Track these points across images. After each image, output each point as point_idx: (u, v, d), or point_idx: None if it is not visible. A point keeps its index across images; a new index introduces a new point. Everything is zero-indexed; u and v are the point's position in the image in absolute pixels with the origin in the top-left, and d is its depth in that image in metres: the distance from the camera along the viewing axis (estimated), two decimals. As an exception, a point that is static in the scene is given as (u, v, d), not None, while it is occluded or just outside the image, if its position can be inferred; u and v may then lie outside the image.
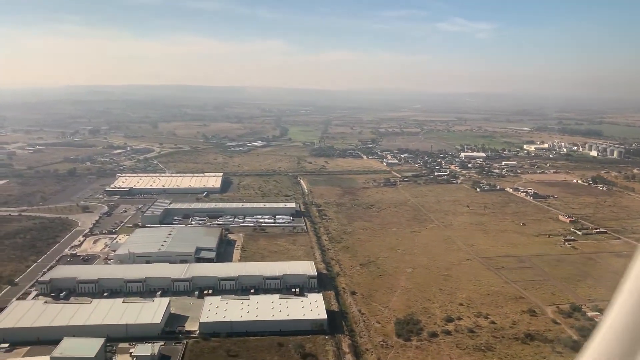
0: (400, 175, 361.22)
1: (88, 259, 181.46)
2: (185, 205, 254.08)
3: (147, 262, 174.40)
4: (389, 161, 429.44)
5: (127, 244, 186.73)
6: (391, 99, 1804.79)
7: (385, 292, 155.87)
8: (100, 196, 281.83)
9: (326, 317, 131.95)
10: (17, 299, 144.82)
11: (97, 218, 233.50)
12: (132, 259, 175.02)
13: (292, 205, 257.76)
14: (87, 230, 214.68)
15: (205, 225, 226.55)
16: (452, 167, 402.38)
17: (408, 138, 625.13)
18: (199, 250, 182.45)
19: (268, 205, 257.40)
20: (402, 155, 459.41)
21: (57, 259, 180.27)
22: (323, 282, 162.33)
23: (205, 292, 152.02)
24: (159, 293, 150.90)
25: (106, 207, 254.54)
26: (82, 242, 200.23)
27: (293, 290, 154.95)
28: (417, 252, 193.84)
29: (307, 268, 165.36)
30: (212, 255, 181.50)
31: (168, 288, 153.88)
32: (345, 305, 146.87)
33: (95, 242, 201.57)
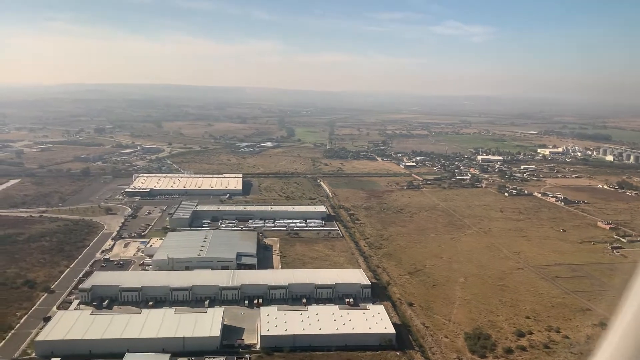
0: (421, 179, 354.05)
1: (123, 265, 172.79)
2: (213, 208, 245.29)
3: (187, 268, 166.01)
4: (406, 164, 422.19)
5: (163, 249, 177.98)
6: (389, 101, 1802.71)
7: (443, 303, 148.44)
8: (120, 197, 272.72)
9: (394, 331, 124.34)
10: (57, 308, 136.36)
11: (122, 220, 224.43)
12: (171, 264, 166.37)
13: (322, 209, 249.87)
14: (115, 234, 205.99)
15: (236, 228, 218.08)
16: (472, 170, 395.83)
17: (418, 140, 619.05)
18: (239, 255, 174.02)
19: (297, 208, 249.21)
20: (418, 158, 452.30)
21: (90, 264, 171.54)
22: (375, 292, 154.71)
23: (255, 301, 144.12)
24: (206, 302, 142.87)
25: (129, 209, 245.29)
26: (112, 246, 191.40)
27: (347, 300, 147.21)
28: (463, 260, 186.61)
29: (358, 277, 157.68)
30: (254, 261, 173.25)
31: (215, 297, 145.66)
32: (406, 318, 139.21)
33: (126, 246, 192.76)
